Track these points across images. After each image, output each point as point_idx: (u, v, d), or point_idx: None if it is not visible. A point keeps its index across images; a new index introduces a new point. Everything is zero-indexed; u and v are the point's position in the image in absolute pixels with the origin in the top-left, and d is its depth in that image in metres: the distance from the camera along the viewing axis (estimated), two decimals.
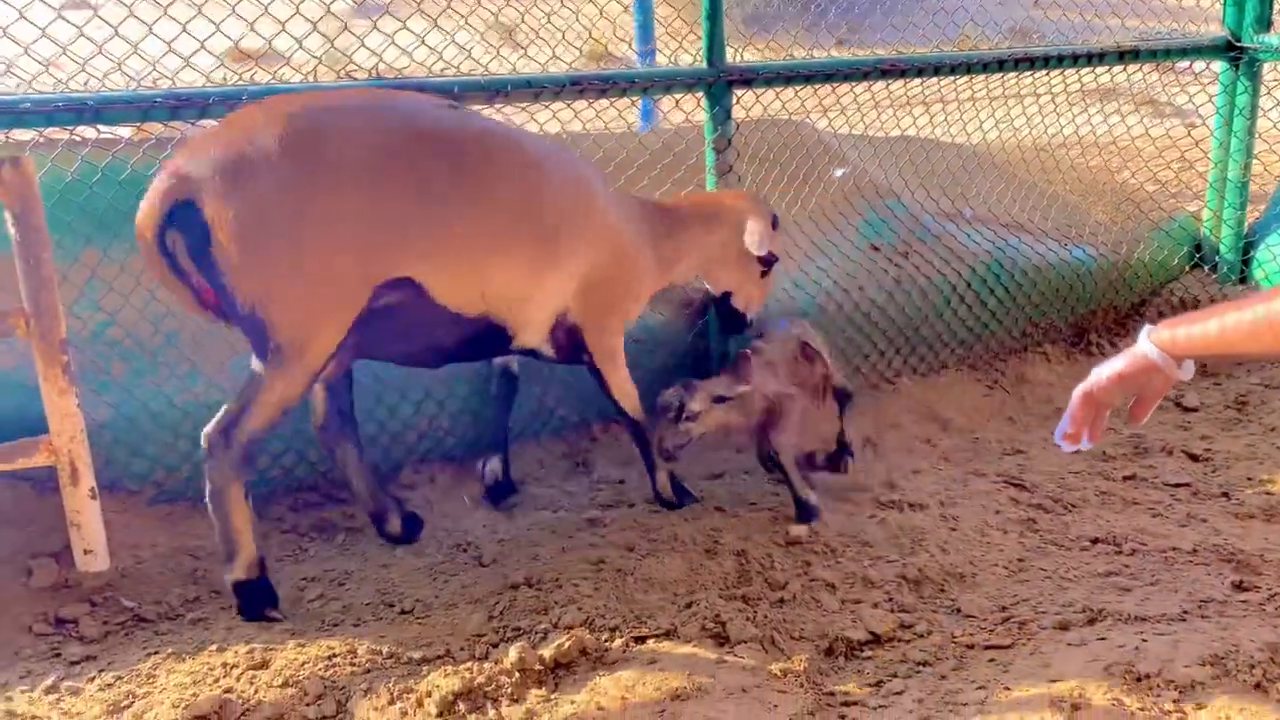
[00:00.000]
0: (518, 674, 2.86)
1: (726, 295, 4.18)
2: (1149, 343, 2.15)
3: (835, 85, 4.84)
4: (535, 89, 4.13)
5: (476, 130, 3.38)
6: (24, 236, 3.33)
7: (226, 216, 2.92)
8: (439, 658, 3.00)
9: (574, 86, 4.17)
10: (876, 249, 5.18)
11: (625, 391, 3.86)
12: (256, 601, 3.27)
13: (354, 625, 3.25)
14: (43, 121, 3.56)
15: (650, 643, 3.04)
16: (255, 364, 3.19)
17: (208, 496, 3.19)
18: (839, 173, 5.13)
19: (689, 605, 3.24)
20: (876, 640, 3.11)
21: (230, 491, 3.17)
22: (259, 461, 4.03)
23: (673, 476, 3.99)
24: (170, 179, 3.00)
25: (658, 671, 2.86)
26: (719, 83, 4.42)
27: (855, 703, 2.80)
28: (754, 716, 2.67)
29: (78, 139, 3.83)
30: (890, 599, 3.35)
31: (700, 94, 4.49)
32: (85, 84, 3.68)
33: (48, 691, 2.90)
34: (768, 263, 4.02)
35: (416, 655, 3.02)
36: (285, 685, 2.89)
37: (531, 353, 3.69)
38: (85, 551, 3.54)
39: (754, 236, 3.89)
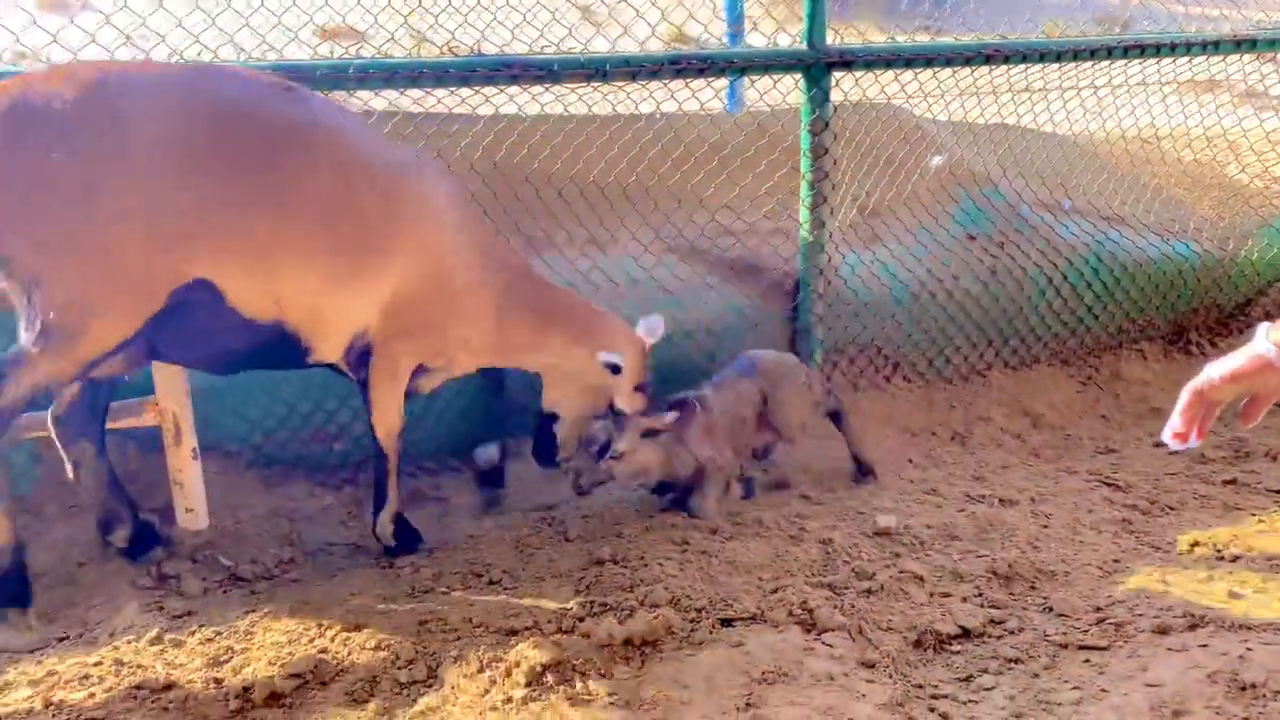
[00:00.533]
0: (605, 649, 2.88)
1: (551, 417, 3.80)
2: (1268, 341, 2.08)
3: (936, 70, 4.74)
4: (633, 68, 4.12)
5: (301, 122, 3.00)
6: None
7: (5, 167, 2.65)
8: (527, 629, 3.04)
9: (672, 66, 4.16)
10: (972, 238, 5.08)
11: (388, 422, 3.44)
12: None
13: (443, 593, 3.31)
14: None
15: (737, 626, 3.03)
16: (22, 336, 2.83)
17: None
18: (936, 160, 5.04)
19: (775, 591, 3.23)
20: (966, 634, 3.07)
21: None
22: (354, 429, 4.14)
23: (401, 518, 3.57)
24: None
25: (744, 654, 2.86)
26: (818, 64, 4.37)
27: (944, 696, 2.77)
28: (841, 704, 2.65)
29: None
30: (980, 593, 3.29)
31: (798, 75, 4.44)
32: (198, 55, 3.77)
33: (152, 643, 3.00)
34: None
35: (505, 625, 3.06)
36: (378, 649, 2.95)
37: (332, 367, 3.39)
38: (186, 510, 3.66)
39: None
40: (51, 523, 3.63)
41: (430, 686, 2.81)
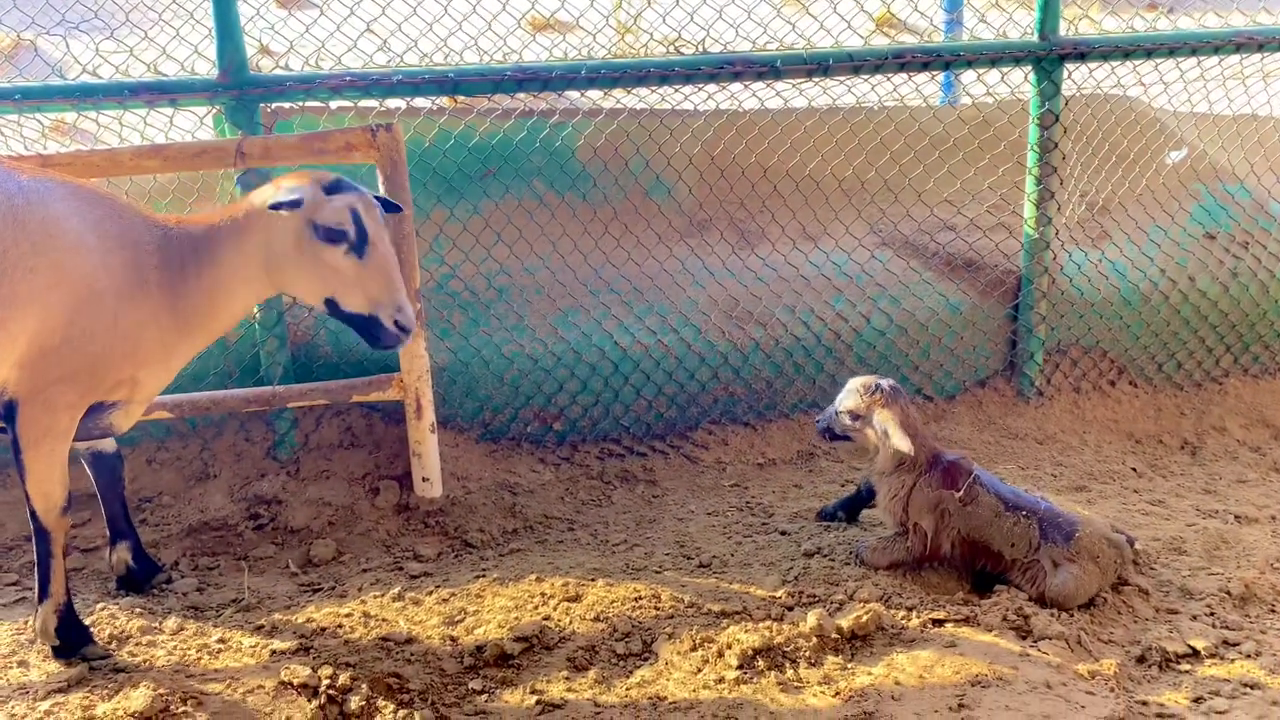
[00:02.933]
0: (815, 639, 2.94)
1: (334, 306, 3.01)
2: None
3: (1179, 60, 4.47)
4: (856, 63, 4.12)
5: None
6: (391, 194, 3.72)
7: None
8: (737, 613, 3.13)
9: (896, 60, 4.13)
10: (1211, 237, 4.78)
11: (46, 491, 2.82)
12: None
13: (656, 573, 3.45)
14: (409, 92, 3.97)
15: (949, 626, 3.02)
16: None
17: None
18: (1175, 156, 4.76)
19: (988, 595, 3.19)
20: (1195, 654, 2.93)
21: None
22: (571, 411, 4.36)
23: (68, 611, 2.90)
24: None
25: (956, 656, 2.85)
26: (1050, 57, 4.22)
27: (1171, 716, 2.67)
28: (1059, 714, 2.60)
29: (434, 108, 4.25)
30: (1211, 613, 3.14)
31: (1028, 67, 4.31)
32: (446, 58, 4.06)
33: (395, 599, 3.28)
34: (333, 236, 2.90)
35: (715, 608, 3.16)
36: (596, 620, 3.12)
37: None
38: (423, 479, 3.96)
39: (267, 191, 2.95)
40: (306, 484, 4.01)
41: (645, 660, 2.95)
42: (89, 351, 2.75)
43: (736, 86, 4.35)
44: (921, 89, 4.84)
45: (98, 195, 2.89)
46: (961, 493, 3.25)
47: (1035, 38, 4.23)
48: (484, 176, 4.37)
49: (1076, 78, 4.41)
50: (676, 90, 4.35)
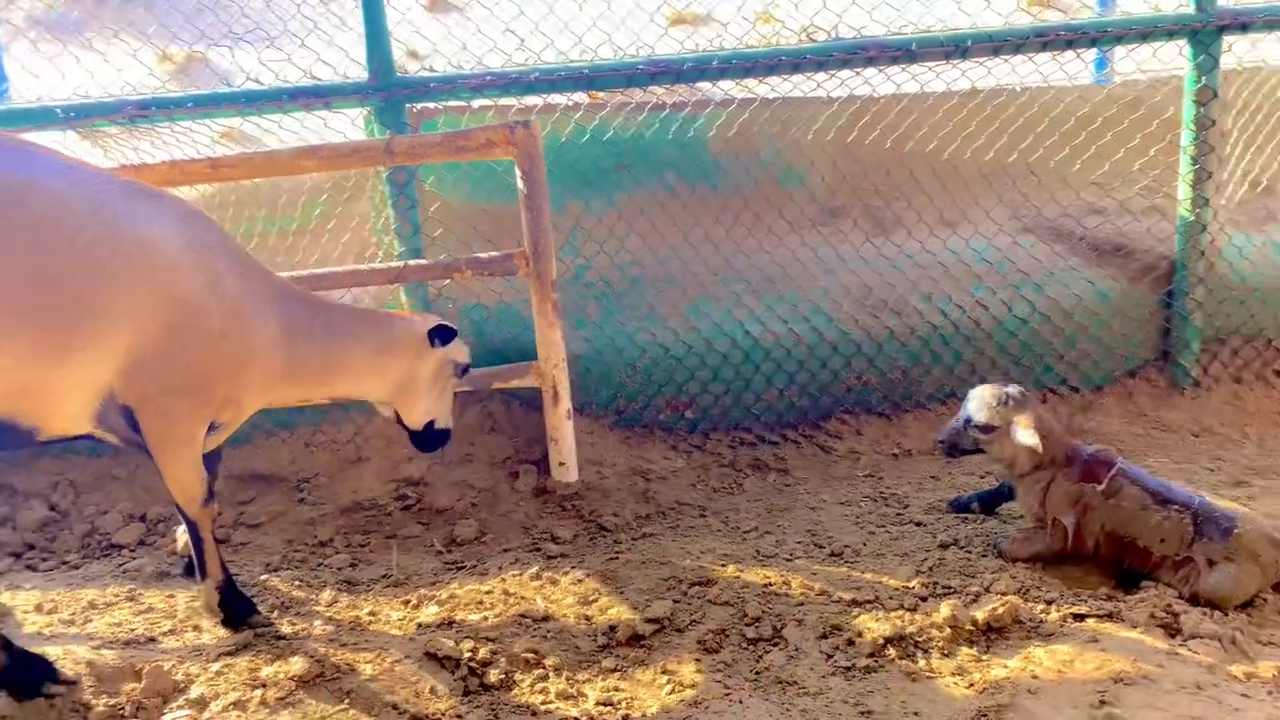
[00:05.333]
0: (949, 629, 2.89)
1: (430, 426, 3.49)
2: None
3: None
4: (995, 43, 4.01)
5: None
6: (529, 189, 3.85)
7: None
8: (868, 602, 3.12)
9: (1038, 39, 4.00)
10: None
11: (184, 488, 2.98)
12: (24, 680, 2.69)
13: (786, 560, 3.46)
14: (546, 89, 4.09)
15: (1090, 622, 2.93)
16: None
17: None
18: None
19: (1134, 591, 3.08)
20: None
21: None
22: (703, 400, 4.40)
23: (229, 586, 3.10)
24: None
25: (1098, 651, 2.76)
26: (1207, 28, 4.00)
27: None
28: (1211, 716, 2.49)
29: (570, 103, 4.35)
30: None
31: (1182, 42, 4.10)
32: (582, 55, 4.16)
33: (533, 579, 3.40)
34: (462, 370, 3.49)
35: (846, 596, 3.16)
36: (727, 604, 3.16)
37: (88, 437, 2.95)
38: (560, 464, 4.08)
39: (451, 349, 3.38)
40: (450, 467, 4.19)
41: (775, 645, 2.97)
42: (196, 368, 2.85)
43: (870, 71, 4.29)
44: (1066, 68, 4.67)
45: (212, 225, 3.02)
46: (1104, 486, 3.14)
47: (1191, 9, 4.02)
48: (618, 169, 4.45)
49: (1238, 50, 4.17)
50: (809, 78, 4.33)
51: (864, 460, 4.30)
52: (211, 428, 3.03)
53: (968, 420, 3.34)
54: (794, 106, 4.45)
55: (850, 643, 2.91)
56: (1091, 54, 5.28)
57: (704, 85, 4.14)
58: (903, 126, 4.45)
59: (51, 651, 2.81)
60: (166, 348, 2.79)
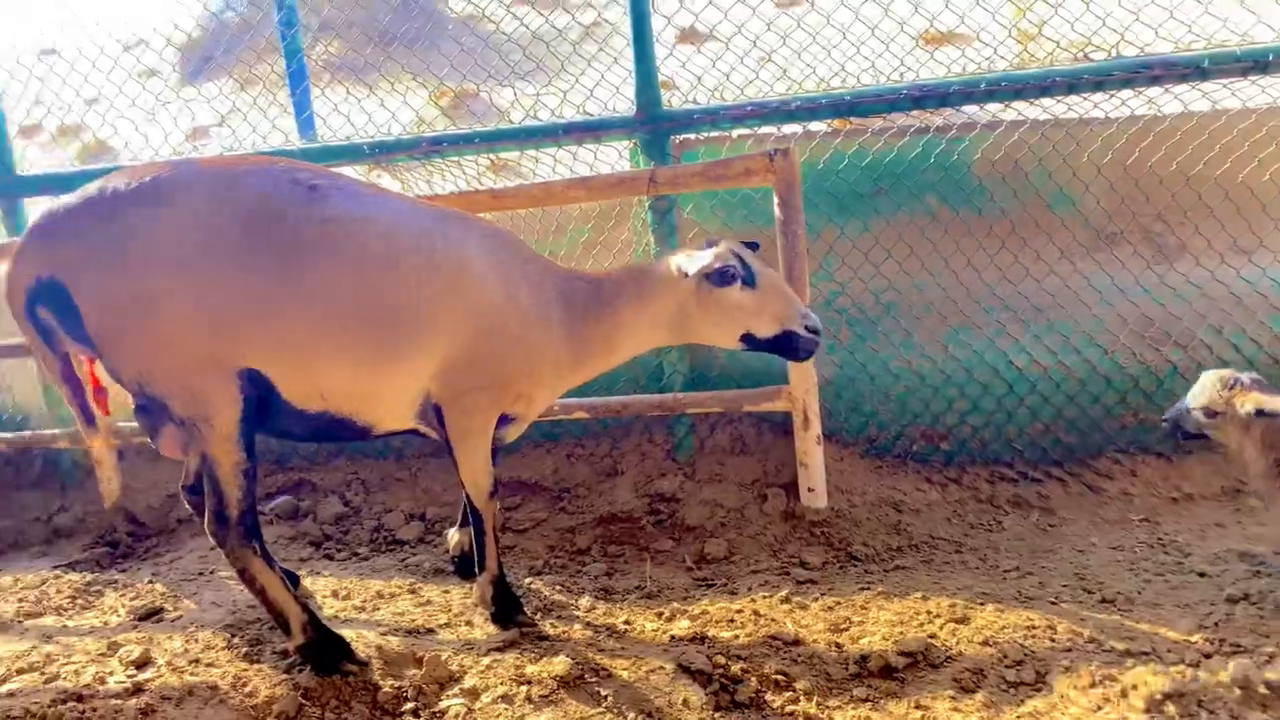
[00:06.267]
0: (1238, 690, 2.65)
1: (751, 339, 3.30)
2: None
3: None
4: None
5: (321, 216, 2.95)
6: (785, 215, 3.90)
7: (88, 296, 2.82)
8: (1144, 654, 2.91)
9: None
10: None
11: (475, 479, 3.26)
12: (328, 656, 3.02)
13: (1051, 603, 3.29)
14: (807, 117, 4.13)
15: None
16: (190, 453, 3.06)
17: (239, 578, 3.05)
18: None
19: None
20: None
21: (254, 566, 3.00)
22: (960, 431, 4.27)
23: (501, 582, 3.33)
24: (31, 251, 2.86)
25: None
26: None
27: None
28: None
29: (829, 130, 4.37)
30: None
31: None
32: (843, 82, 4.17)
33: (783, 601, 3.42)
34: (725, 277, 3.21)
35: (1119, 646, 2.96)
36: (985, 644, 3.05)
37: (413, 432, 3.27)
38: (809, 489, 4.08)
39: (676, 260, 3.28)
40: (701, 485, 4.29)
41: (1038, 690, 2.83)
42: (495, 368, 3.17)
43: (1154, 90, 4.03)
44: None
45: (509, 239, 3.33)
46: None
47: None
48: (875, 194, 4.42)
49: None
50: (1085, 98, 4.12)
51: (1138, 503, 4.03)
52: (505, 421, 3.33)
53: (1189, 404, 3.14)
54: (1067, 128, 4.25)
55: (1124, 695, 2.73)
56: None
57: (969, 108, 4.03)
58: (1190, 147, 4.15)
59: (345, 634, 3.12)
60: (474, 352, 3.13)
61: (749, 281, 3.23)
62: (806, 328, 3.24)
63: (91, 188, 2.89)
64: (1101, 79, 3.83)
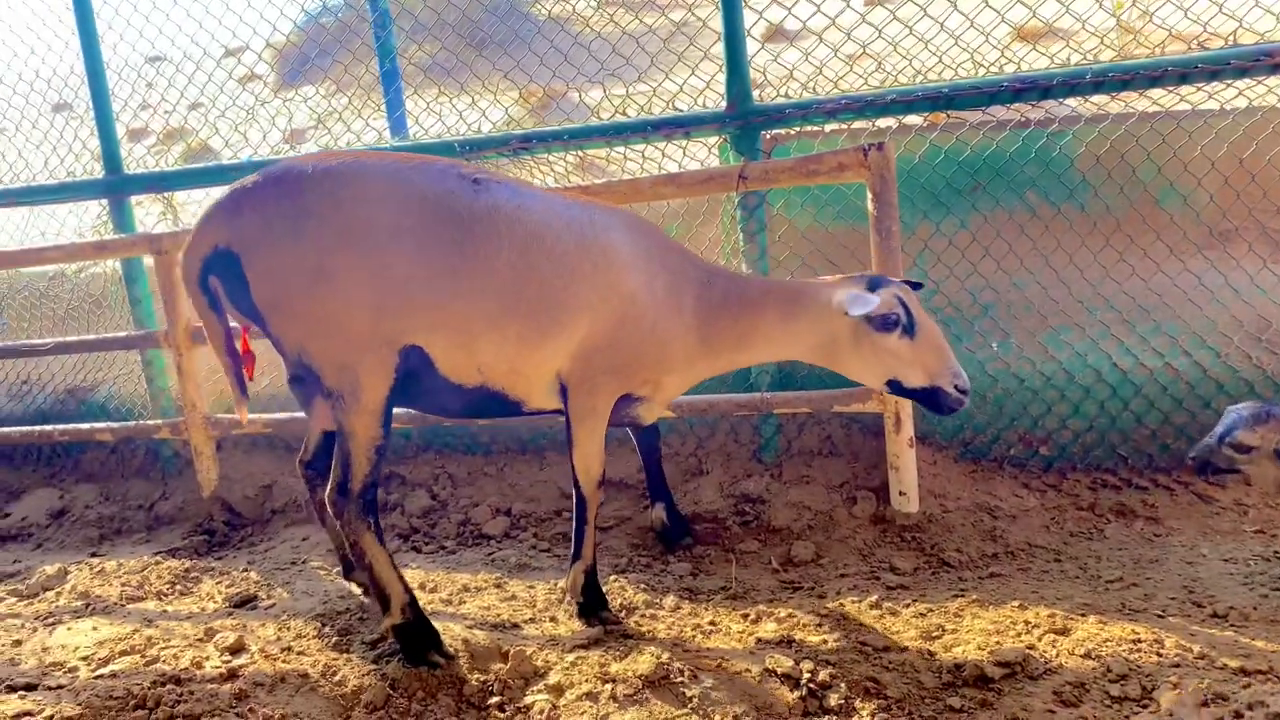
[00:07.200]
0: None
1: (897, 385, 3.29)
2: None
3: None
4: None
5: (485, 206, 3.12)
6: (879, 211, 3.81)
7: (260, 268, 2.97)
8: (1260, 672, 2.75)
9: None
10: None
11: (587, 463, 3.34)
12: (419, 644, 3.08)
13: (1158, 616, 3.14)
14: (902, 110, 4.02)
15: None
16: (334, 421, 3.14)
17: (350, 552, 3.16)
18: None
19: None
20: None
21: (365, 540, 3.09)
22: (1060, 436, 4.11)
23: (591, 575, 3.36)
24: (213, 223, 3.03)
25: None
26: None
27: None
28: None
29: (925, 124, 4.26)
30: None
31: None
32: (940, 74, 4.05)
33: (871, 607, 3.34)
34: (888, 324, 3.18)
35: (1233, 664, 2.81)
36: (1087, 657, 2.92)
37: (558, 412, 3.37)
38: (900, 493, 3.98)
39: (841, 298, 3.21)
40: (788, 487, 4.21)
41: (1144, 707, 2.70)
42: (628, 352, 3.28)
43: (1274, 79, 3.83)
44: None
45: (650, 228, 3.43)
46: None
47: None
48: (972, 190, 4.29)
49: None
50: (1198, 89, 3.93)
51: (1253, 514, 3.82)
52: (632, 400, 3.45)
53: (1222, 437, 2.97)
54: (1179, 121, 4.06)
55: (1238, 715, 2.58)
56: None
57: (1072, 100, 3.88)
58: None
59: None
60: (611, 336, 3.25)
61: (909, 330, 3.22)
62: (956, 386, 3.23)
63: (275, 169, 3.06)
64: (1217, 68, 3.64)
